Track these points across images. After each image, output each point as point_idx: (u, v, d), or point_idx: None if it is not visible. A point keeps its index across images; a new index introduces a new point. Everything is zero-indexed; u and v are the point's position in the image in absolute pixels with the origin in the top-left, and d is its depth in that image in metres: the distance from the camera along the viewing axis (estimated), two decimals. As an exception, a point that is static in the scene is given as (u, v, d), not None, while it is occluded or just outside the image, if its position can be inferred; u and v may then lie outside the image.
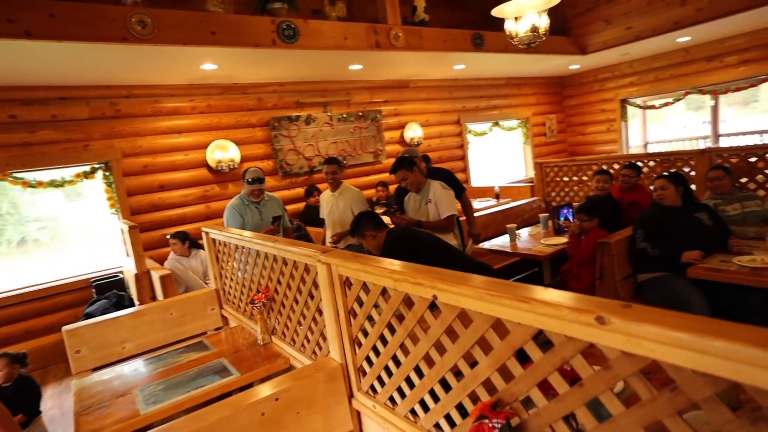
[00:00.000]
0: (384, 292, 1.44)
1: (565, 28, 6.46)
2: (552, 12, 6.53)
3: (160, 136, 4.88)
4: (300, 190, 5.79)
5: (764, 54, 6.50)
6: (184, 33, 3.49)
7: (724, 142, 7.56)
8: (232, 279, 2.83)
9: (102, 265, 4.76)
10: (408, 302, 1.36)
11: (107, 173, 4.63)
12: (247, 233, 2.53)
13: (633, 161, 4.36)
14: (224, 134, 5.21)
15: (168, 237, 4.23)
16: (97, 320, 2.66)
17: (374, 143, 6.39)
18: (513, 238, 3.76)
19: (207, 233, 3.01)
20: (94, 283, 4.34)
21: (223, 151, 5.10)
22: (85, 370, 2.49)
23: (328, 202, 3.86)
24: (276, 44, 3.90)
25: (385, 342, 1.50)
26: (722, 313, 2.62)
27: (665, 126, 8.67)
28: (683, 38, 6.36)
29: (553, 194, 5.23)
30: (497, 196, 6.41)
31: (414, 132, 6.78)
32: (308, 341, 2.03)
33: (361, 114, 6.21)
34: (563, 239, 3.56)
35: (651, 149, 8.44)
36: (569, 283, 3.17)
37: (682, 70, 7.33)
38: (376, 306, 1.53)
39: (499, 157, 8.40)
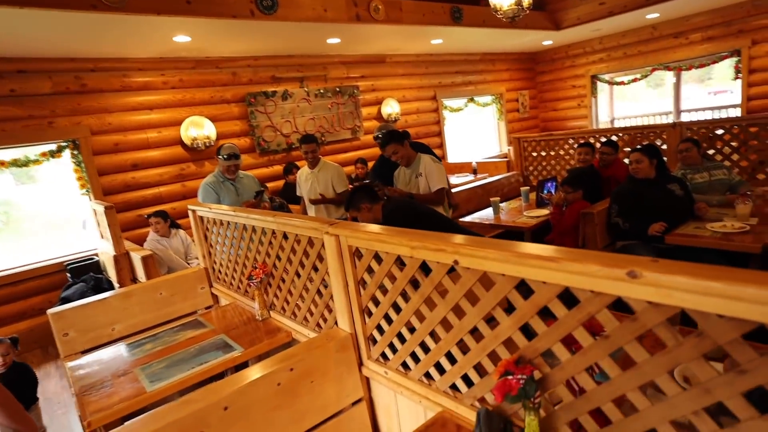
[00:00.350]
0: (397, 260, 1.46)
1: (540, 3, 6.50)
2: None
3: (130, 113, 4.68)
4: (279, 168, 5.70)
5: (725, 31, 6.76)
6: (157, 2, 3.32)
7: (685, 117, 7.88)
8: (222, 257, 2.78)
9: (74, 249, 4.58)
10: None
11: (75, 152, 4.42)
12: (239, 210, 2.48)
13: (608, 136, 4.50)
14: (198, 110, 5.04)
15: (148, 216, 4.10)
16: (84, 302, 2.57)
17: (352, 119, 6.32)
18: (496, 211, 3.85)
19: (194, 211, 2.93)
20: (68, 267, 4.18)
21: (198, 128, 4.94)
22: (75, 353, 2.42)
23: (306, 179, 3.82)
24: (254, 15, 3.77)
25: (398, 310, 1.53)
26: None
27: (628, 102, 8.94)
28: (652, 15, 6.52)
29: (531, 168, 5.35)
30: (475, 172, 6.50)
31: (391, 108, 6.74)
32: (311, 314, 2.04)
33: (338, 89, 6.12)
34: (545, 211, 3.67)
35: (617, 125, 8.71)
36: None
37: (649, 46, 7.54)
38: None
39: (475, 133, 8.48)
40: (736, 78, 6.82)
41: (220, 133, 5.14)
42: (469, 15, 5.42)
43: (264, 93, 5.44)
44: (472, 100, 8.02)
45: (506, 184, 5.11)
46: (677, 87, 7.73)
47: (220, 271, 2.90)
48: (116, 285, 3.90)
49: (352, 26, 4.59)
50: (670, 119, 7.97)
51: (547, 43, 7.96)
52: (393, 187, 3.12)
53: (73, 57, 4.31)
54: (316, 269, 1.92)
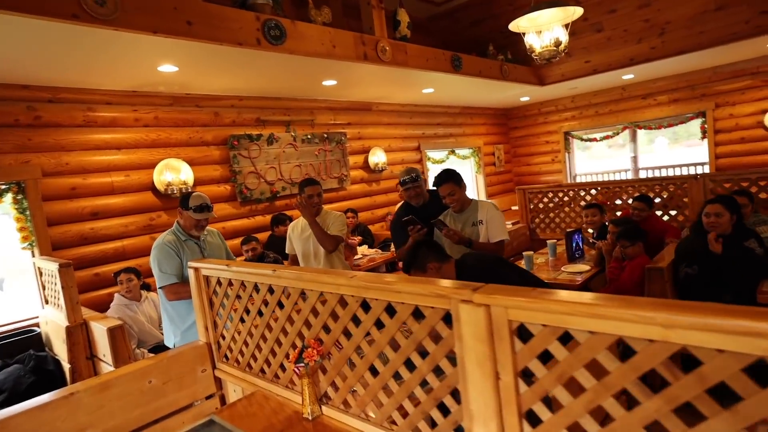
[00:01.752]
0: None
1: (526, 59, 6.58)
2: (514, 42, 6.68)
3: (93, 152, 3.96)
4: (261, 219, 5.06)
5: (690, 95, 7.16)
6: (154, 18, 2.79)
7: (642, 174, 8.12)
8: (231, 327, 2.13)
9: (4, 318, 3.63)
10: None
11: (20, 196, 3.60)
12: (284, 268, 1.89)
13: (623, 186, 4.33)
14: (175, 152, 4.39)
15: (116, 274, 3.33)
16: (39, 402, 1.80)
17: (339, 167, 5.88)
18: (531, 267, 3.45)
19: (197, 269, 2.28)
20: (-4, 343, 3.25)
21: (175, 173, 4.28)
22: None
23: (303, 231, 3.26)
24: (260, 44, 3.32)
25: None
26: None
27: (595, 159, 9.20)
28: (628, 75, 6.79)
29: (537, 221, 5.09)
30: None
31: (378, 157, 6.40)
32: (403, 414, 1.46)
33: (326, 136, 5.70)
34: (586, 267, 3.32)
35: (582, 179, 8.86)
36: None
37: (620, 106, 7.85)
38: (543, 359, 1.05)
39: (454, 186, 8.29)
40: (703, 138, 7.16)
41: (198, 178, 4.49)
42: (468, 64, 5.29)
43: (248, 136, 4.90)
44: (453, 152, 7.89)
45: (516, 236, 4.79)
46: (635, 144, 8.03)
47: (230, 348, 2.22)
48: (66, 366, 3.04)
49: (351, 67, 4.26)
50: (629, 175, 8.21)
51: (525, 99, 8.11)
52: (447, 228, 2.64)
53: (26, 84, 3.61)
54: (421, 353, 1.37)
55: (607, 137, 8.11)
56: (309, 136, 5.52)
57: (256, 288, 1.98)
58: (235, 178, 4.80)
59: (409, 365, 1.42)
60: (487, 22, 6.64)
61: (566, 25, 3.20)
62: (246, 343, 2.11)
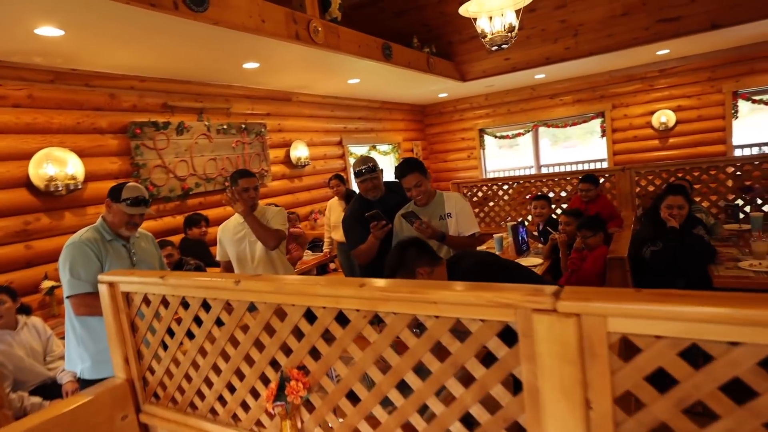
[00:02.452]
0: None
1: (448, 54, 6.58)
2: (438, 36, 6.64)
3: (-61, 138, 3.03)
4: (172, 221, 4.37)
5: (591, 96, 7.73)
6: (34, -42, 2.13)
7: (544, 171, 8.64)
8: (174, 358, 1.64)
9: None
10: None
11: None
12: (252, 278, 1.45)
13: (559, 178, 4.42)
14: (58, 140, 3.57)
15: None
16: None
17: (259, 162, 5.33)
18: (501, 249, 3.33)
19: (112, 284, 1.72)
20: None
21: (59, 165, 3.46)
22: None
23: (235, 231, 2.80)
24: (179, 9, 2.75)
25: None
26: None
27: (503, 157, 9.61)
28: (540, 75, 7.11)
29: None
30: (398, 221, 6.01)
31: (300, 151, 5.94)
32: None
33: (243, 126, 5.12)
34: (537, 260, 3.27)
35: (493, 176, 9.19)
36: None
37: (530, 104, 8.24)
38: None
39: (375, 183, 8.08)
40: (603, 136, 7.78)
41: (90, 172, 3.70)
42: (398, 54, 5.08)
43: (154, 124, 4.18)
44: (374, 147, 7.67)
45: (453, 232, 4.68)
46: (536, 142, 8.52)
47: (162, 384, 1.71)
48: None
49: (279, 48, 3.81)
50: (533, 171, 8.69)
51: (443, 95, 8.16)
52: (420, 221, 2.34)
53: None
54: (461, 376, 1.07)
55: (519, 134, 8.47)
56: (225, 127, 4.90)
57: (205, 306, 1.53)
58: (138, 173, 4.06)
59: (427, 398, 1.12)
60: (411, 14, 6.52)
61: (517, 12, 3.11)
62: (188, 378, 1.63)
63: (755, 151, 6.74)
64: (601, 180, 4.30)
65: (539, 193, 3.81)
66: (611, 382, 0.88)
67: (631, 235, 2.91)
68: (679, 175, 3.88)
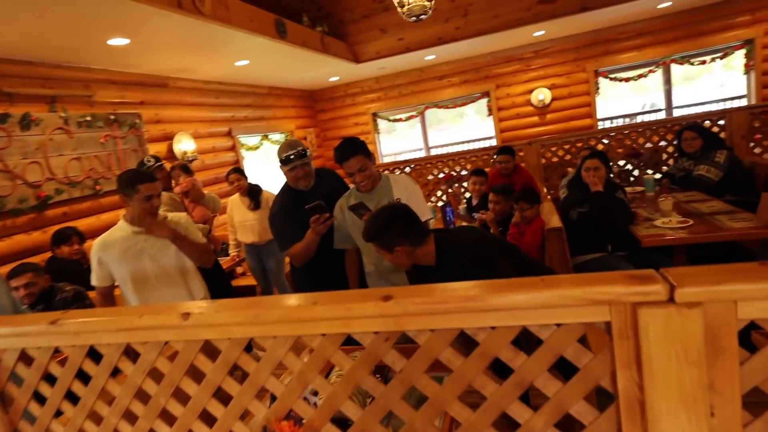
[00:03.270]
0: None
1: (341, 34, 6.26)
2: (329, 15, 6.27)
3: None
4: (24, 240, 3.47)
5: (476, 76, 8.04)
6: None
7: (434, 152, 8.90)
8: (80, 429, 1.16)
9: None
10: None
11: None
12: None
13: (470, 155, 4.43)
14: None
15: None
16: None
17: (136, 159, 4.50)
18: None
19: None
20: None
21: None
22: None
23: (127, 247, 2.17)
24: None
25: None
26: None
27: (399, 140, 9.67)
28: (430, 56, 7.17)
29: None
30: (306, 213, 5.61)
31: (185, 145, 5.20)
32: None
33: (113, 118, 4.27)
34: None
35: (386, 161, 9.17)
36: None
37: (420, 87, 8.30)
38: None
39: (270, 174, 7.50)
40: (489, 115, 8.16)
41: None
42: (293, 32, 4.65)
43: (-13, 116, 3.24)
44: (266, 137, 7.08)
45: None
46: (423, 125, 8.69)
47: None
48: None
49: (156, 19, 3.18)
50: (422, 154, 8.88)
51: (334, 79, 7.83)
52: (371, 212, 2.04)
53: None
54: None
55: (411, 117, 8.51)
56: (88, 119, 4.03)
57: (127, 353, 1.09)
58: (-30, 182, 3.11)
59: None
60: (298, -11, 6.06)
61: (433, -20, 2.94)
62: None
63: (619, 122, 7.62)
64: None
65: (476, 168, 3.75)
66: (739, 380, 0.72)
67: (558, 203, 2.97)
68: (579, 145, 4.15)
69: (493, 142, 8.40)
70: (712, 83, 7.84)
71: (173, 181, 3.92)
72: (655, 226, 2.78)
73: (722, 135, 4.33)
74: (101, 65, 4.16)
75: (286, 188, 2.52)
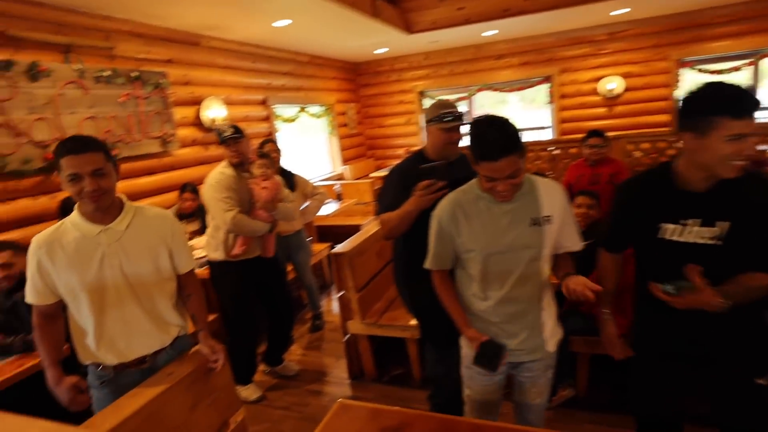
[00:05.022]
0: None
1: (394, -1, 5.60)
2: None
3: None
4: (28, 205, 3.09)
5: (538, 58, 7.22)
6: None
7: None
8: None
9: None
10: None
11: None
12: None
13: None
14: None
15: None
16: None
17: (160, 123, 4.07)
18: None
19: None
20: None
21: None
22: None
23: (84, 250, 1.49)
24: None
25: None
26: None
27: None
28: (489, 32, 6.42)
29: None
30: (339, 197, 5.08)
31: (214, 111, 4.73)
32: None
33: (135, 75, 3.82)
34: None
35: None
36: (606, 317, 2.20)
37: (474, 66, 7.56)
38: None
39: (305, 150, 7.01)
40: (551, 102, 7.36)
41: None
42: (342, -12, 4.04)
43: (-13, 62, 2.82)
44: (303, 109, 6.56)
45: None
46: (471, 111, 7.94)
47: None
48: None
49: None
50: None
51: (380, 51, 7.19)
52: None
53: None
54: None
55: (461, 98, 7.80)
56: (107, 74, 3.58)
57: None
58: (-37, 136, 2.72)
59: None
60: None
61: None
62: None
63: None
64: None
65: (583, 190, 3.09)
66: None
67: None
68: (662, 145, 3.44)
69: (549, 134, 7.63)
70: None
71: (257, 167, 2.77)
72: None
73: None
74: (124, 14, 3.69)
75: (419, 152, 1.98)
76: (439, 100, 1.98)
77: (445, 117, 1.84)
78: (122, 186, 3.69)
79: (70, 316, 1.56)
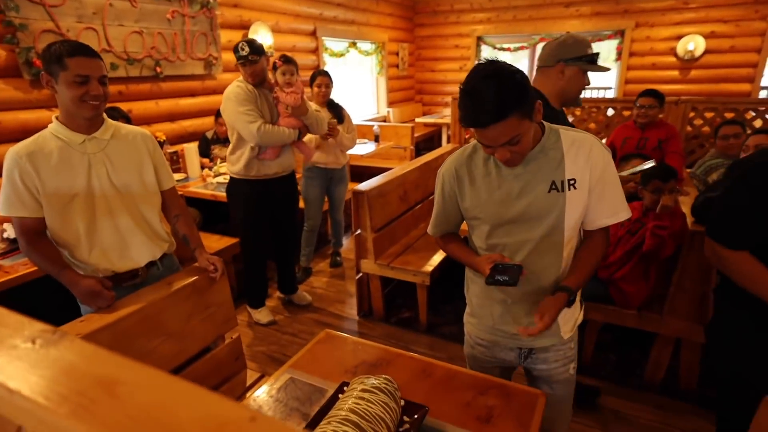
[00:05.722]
0: None
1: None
2: None
3: None
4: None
5: (613, 8, 6.56)
6: None
7: None
8: None
9: None
10: None
11: None
12: None
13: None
14: None
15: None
16: None
17: (206, 45, 4.07)
18: None
19: None
20: None
21: None
22: None
23: (71, 157, 1.48)
24: None
25: None
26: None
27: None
28: (562, -27, 5.85)
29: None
30: (377, 139, 5.01)
31: (262, 38, 4.67)
32: None
33: (183, -8, 3.79)
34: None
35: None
36: (618, 285, 2.11)
37: (540, 13, 7.00)
38: None
39: (351, 89, 6.88)
40: (618, 60, 6.76)
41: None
42: None
43: (39, -35, 2.86)
44: (354, 44, 6.37)
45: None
46: (532, 62, 7.38)
47: None
48: None
49: None
50: None
51: (441, -12, 6.77)
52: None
53: None
54: None
55: (521, 48, 7.31)
56: (155, -12, 3.58)
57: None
58: (14, 38, 2.82)
59: None
60: None
61: None
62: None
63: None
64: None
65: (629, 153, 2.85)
66: None
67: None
68: (747, 117, 3.06)
69: (610, 94, 7.08)
70: None
71: (274, 78, 2.72)
72: None
73: None
74: (176, -74, 3.61)
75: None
76: (570, 34, 1.66)
77: (595, 57, 1.60)
78: (165, 105, 3.78)
79: (55, 238, 1.52)
